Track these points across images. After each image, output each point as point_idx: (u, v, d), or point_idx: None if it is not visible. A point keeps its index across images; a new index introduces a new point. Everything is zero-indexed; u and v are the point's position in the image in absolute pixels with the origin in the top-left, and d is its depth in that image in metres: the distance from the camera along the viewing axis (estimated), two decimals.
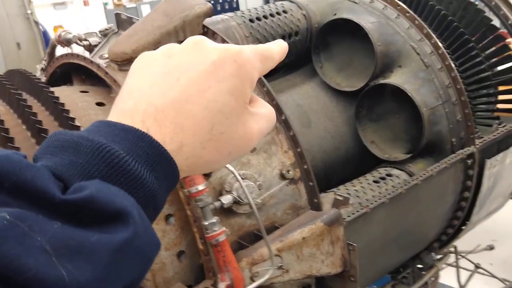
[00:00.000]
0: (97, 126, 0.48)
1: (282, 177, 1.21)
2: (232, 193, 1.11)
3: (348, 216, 1.27)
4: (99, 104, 1.23)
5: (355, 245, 1.18)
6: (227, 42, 1.32)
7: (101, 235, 0.41)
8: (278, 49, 0.58)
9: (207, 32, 1.36)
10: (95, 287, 0.39)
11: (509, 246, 3.96)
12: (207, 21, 1.46)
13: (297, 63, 1.81)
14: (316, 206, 1.23)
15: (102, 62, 1.27)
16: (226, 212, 1.13)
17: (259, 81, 1.27)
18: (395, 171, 1.59)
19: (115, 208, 0.42)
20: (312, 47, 1.76)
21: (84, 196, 0.41)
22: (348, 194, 1.47)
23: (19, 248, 0.37)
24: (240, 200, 1.10)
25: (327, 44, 1.78)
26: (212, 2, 13.35)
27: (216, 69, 0.51)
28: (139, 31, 1.26)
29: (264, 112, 0.56)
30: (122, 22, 1.39)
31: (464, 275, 2.55)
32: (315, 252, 1.14)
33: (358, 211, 1.30)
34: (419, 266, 1.89)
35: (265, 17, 1.65)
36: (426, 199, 1.56)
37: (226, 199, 1.09)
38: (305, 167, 1.23)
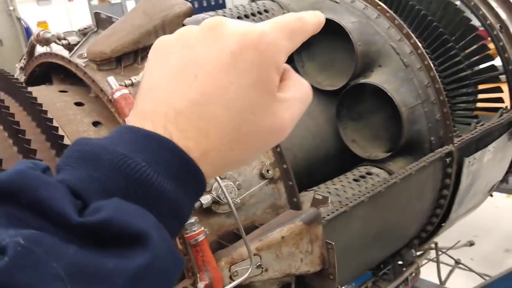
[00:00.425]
0: (120, 133, 0.46)
1: (262, 176, 1.22)
2: (211, 193, 1.11)
3: (328, 215, 1.28)
4: (78, 104, 1.22)
5: (333, 243, 1.19)
6: None
7: (119, 261, 0.39)
8: (313, 19, 0.52)
9: None
10: None
11: (490, 242, 4.02)
12: (188, 21, 1.46)
13: None
14: (295, 205, 1.25)
15: (81, 62, 1.27)
16: (205, 212, 1.14)
17: None
18: (375, 170, 1.61)
19: (133, 231, 0.40)
20: None
21: (101, 219, 0.39)
22: (328, 192, 1.48)
23: (34, 276, 0.36)
24: (219, 200, 1.11)
25: (309, 44, 1.79)
26: None
27: (236, 60, 0.46)
28: (118, 31, 1.25)
29: (295, 94, 0.50)
30: (101, 21, 1.38)
31: (444, 270, 2.59)
32: (294, 251, 1.15)
33: (337, 210, 1.31)
34: (400, 262, 1.91)
35: (246, 16, 1.65)
36: (405, 197, 1.58)
37: (205, 199, 1.10)
38: (285, 166, 1.24)
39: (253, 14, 1.67)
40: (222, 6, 13.54)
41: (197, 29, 0.49)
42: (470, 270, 2.67)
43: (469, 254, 3.19)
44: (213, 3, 13.40)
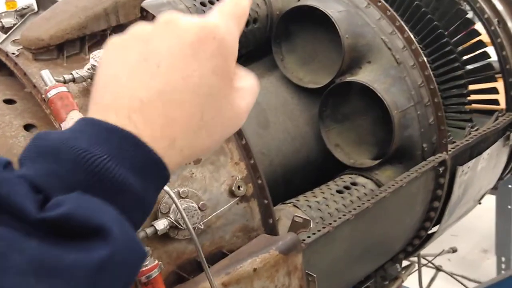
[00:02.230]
0: (81, 125, 0.46)
1: (232, 194, 1.02)
2: (168, 217, 0.91)
3: (309, 237, 1.10)
4: (8, 101, 1.00)
5: (315, 276, 1.01)
6: None
7: (79, 254, 0.39)
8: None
9: (146, 16, 1.14)
10: None
11: (468, 242, 3.93)
12: (148, 3, 1.24)
13: (255, 54, 1.61)
14: (270, 228, 1.05)
15: (14, 49, 1.04)
16: (162, 238, 0.94)
17: None
18: (360, 179, 1.43)
19: (93, 225, 0.40)
20: (273, 36, 1.56)
21: (61, 213, 0.40)
22: (309, 206, 1.30)
23: None
24: (179, 225, 0.91)
25: (290, 34, 1.58)
26: None
27: (196, 50, 0.48)
28: (59, 13, 1.03)
29: (247, 85, 0.53)
30: (43, 0, 1.15)
31: (425, 275, 2.47)
32: (268, 285, 0.96)
33: (319, 231, 1.13)
34: (383, 276, 1.76)
35: (211, 2, 1.43)
36: (394, 212, 1.41)
37: (161, 224, 0.90)
38: (259, 182, 1.05)
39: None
40: None
41: (151, 25, 0.50)
42: (452, 275, 2.55)
43: (448, 255, 3.08)
44: None
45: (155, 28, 0.49)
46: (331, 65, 1.49)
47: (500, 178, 1.93)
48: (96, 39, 1.08)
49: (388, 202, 1.33)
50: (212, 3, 1.42)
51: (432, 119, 1.48)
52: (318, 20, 1.49)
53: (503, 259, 3.11)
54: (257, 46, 1.58)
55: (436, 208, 1.55)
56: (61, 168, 0.42)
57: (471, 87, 1.79)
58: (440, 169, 1.48)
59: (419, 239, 1.63)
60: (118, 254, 0.41)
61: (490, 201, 3.99)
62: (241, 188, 1.02)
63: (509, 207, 2.98)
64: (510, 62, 1.70)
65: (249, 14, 1.49)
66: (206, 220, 0.96)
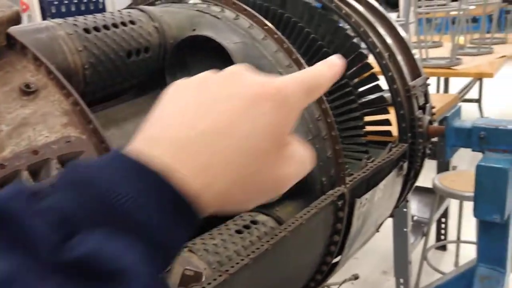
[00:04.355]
0: (112, 159, 0.45)
1: None
2: None
3: None
4: None
5: None
6: (39, 59, 0.98)
7: None
8: (329, 74, 0.54)
9: (14, 44, 1.00)
10: None
11: (368, 264, 4.05)
12: (22, 29, 1.09)
13: (148, 85, 1.51)
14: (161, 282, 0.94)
15: None
16: None
17: (84, 116, 0.95)
18: (261, 217, 1.37)
19: (114, 268, 0.39)
20: (167, 66, 1.48)
21: (82, 254, 0.38)
22: (206, 250, 1.21)
23: None
24: None
25: (186, 65, 1.51)
26: (76, 1, 12.37)
27: (253, 106, 0.48)
28: None
29: (298, 155, 0.53)
30: None
31: None
32: None
33: (215, 279, 1.04)
34: None
35: (105, 27, 1.32)
36: (294, 250, 1.36)
37: None
38: None
39: (115, 25, 1.34)
40: (102, 10, 12.75)
41: (218, 74, 0.53)
42: None
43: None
44: (92, 7, 12.54)
45: (220, 76, 0.51)
46: None
47: (396, 206, 1.98)
48: None
49: (288, 241, 1.28)
50: (97, 30, 1.30)
51: (330, 153, 1.48)
52: (215, 51, 1.43)
53: (401, 280, 3.23)
54: (150, 77, 1.49)
55: (337, 242, 1.53)
56: (88, 203, 0.41)
57: (366, 118, 1.83)
58: (339, 202, 1.47)
59: (321, 274, 1.60)
60: None
61: (387, 223, 4.18)
62: None
63: (405, 230, 3.11)
64: (400, 95, 1.76)
65: (140, 43, 1.39)
66: None
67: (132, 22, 1.39)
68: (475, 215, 1.57)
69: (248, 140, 0.47)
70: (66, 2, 11.85)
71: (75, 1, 12.10)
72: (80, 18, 1.31)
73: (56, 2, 11.60)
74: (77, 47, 1.23)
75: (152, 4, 1.69)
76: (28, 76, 0.96)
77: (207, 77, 0.52)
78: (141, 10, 1.46)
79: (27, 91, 0.93)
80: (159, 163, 0.44)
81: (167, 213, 0.43)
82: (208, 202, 0.46)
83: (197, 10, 1.54)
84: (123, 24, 1.37)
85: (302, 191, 1.45)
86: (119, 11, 1.45)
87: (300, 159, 0.52)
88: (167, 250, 0.44)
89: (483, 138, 1.57)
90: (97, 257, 0.39)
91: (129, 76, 1.39)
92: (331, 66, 0.54)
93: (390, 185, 1.78)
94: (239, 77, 0.50)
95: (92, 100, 1.37)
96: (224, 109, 0.48)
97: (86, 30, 1.27)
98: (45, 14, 10.86)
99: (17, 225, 0.38)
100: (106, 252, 0.39)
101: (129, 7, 1.57)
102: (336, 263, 1.64)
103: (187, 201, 0.44)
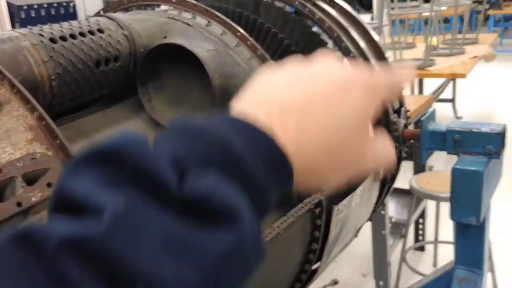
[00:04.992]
0: (222, 118, 0.48)
1: None
2: None
3: None
4: None
5: None
6: (2, 72, 0.93)
7: (209, 240, 0.39)
8: (404, 77, 0.60)
9: None
10: None
11: (349, 267, 4.06)
12: None
13: (119, 94, 1.47)
14: None
15: None
16: None
17: (50, 131, 0.91)
18: None
19: (230, 210, 0.41)
20: (137, 75, 1.44)
21: (201, 194, 0.40)
22: None
23: (131, 240, 0.36)
24: None
25: (157, 73, 1.47)
26: (46, 5, 12.13)
27: (348, 85, 0.52)
28: None
29: (383, 143, 0.56)
30: None
31: None
32: None
33: None
34: None
35: (72, 36, 1.28)
36: (273, 260, 1.34)
37: None
38: None
39: (82, 34, 1.30)
40: (73, 16, 12.54)
41: (311, 59, 0.57)
42: None
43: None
44: (62, 12, 12.30)
45: (310, 61, 0.56)
46: (202, 106, 1.40)
47: (374, 211, 1.98)
48: None
49: (267, 251, 1.26)
50: (64, 39, 1.26)
51: None
52: (187, 58, 1.40)
53: (381, 283, 3.24)
54: (120, 86, 1.45)
55: (315, 250, 1.52)
56: (201, 147, 0.43)
57: None
58: (317, 210, 1.46)
59: (300, 282, 1.58)
60: (245, 245, 0.41)
61: (366, 226, 4.20)
62: None
63: (383, 232, 3.13)
64: None
65: (109, 52, 1.35)
66: None
67: (100, 31, 1.35)
68: (452, 217, 1.58)
69: (340, 113, 0.51)
70: (35, 7, 11.60)
71: (45, 6, 11.88)
72: (46, 27, 1.26)
73: (25, 7, 11.36)
74: (43, 58, 1.18)
75: (126, 9, 1.65)
76: None
77: (299, 61, 0.55)
78: (110, 18, 1.42)
79: None
80: (264, 125, 0.47)
81: (271, 170, 0.46)
82: (299, 165, 0.49)
83: (168, 17, 1.50)
84: (91, 33, 1.33)
85: (280, 199, 1.43)
86: (86, 19, 1.40)
87: (383, 147, 0.56)
88: (266, 205, 0.46)
89: (458, 141, 1.58)
90: (213, 198, 0.40)
91: (98, 86, 1.35)
92: (407, 72, 0.59)
93: (367, 190, 1.78)
94: (331, 63, 0.55)
95: (61, 111, 1.32)
96: (322, 83, 0.52)
97: (52, 40, 1.23)
98: (14, 19, 10.61)
99: (139, 163, 0.40)
100: (221, 195, 0.41)
101: (97, 14, 1.53)
102: (315, 270, 1.63)
103: (288, 162, 0.47)
